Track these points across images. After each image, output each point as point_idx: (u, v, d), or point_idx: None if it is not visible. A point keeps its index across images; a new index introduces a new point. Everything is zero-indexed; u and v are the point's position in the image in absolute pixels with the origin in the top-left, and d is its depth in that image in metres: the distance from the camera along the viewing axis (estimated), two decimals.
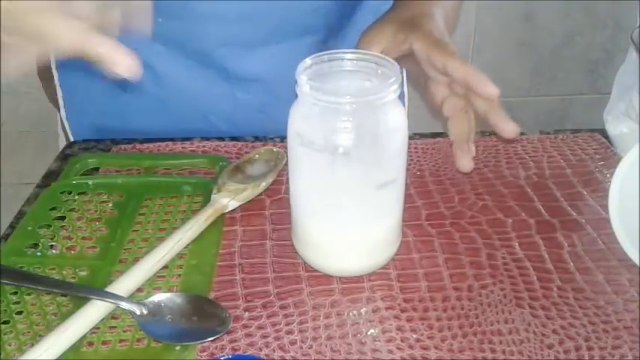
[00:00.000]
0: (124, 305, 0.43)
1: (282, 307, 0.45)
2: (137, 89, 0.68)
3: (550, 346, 0.42)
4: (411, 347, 0.42)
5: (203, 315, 0.44)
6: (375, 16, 0.63)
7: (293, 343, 0.42)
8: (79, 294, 0.45)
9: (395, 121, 0.43)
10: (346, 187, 0.44)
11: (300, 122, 0.44)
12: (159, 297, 0.45)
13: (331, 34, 0.70)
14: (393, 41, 0.56)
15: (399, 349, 0.42)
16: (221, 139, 0.65)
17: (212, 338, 0.42)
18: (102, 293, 0.44)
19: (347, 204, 0.45)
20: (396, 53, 0.55)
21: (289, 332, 0.43)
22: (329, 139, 0.42)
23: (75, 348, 0.41)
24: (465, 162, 0.55)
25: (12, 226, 0.53)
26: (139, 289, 0.46)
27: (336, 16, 0.70)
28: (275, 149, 0.60)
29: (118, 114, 0.71)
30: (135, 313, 0.43)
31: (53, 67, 0.73)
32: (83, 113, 0.73)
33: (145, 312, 0.43)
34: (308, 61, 0.44)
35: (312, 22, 0.67)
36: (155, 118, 0.70)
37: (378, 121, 0.43)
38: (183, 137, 0.65)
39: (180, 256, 0.49)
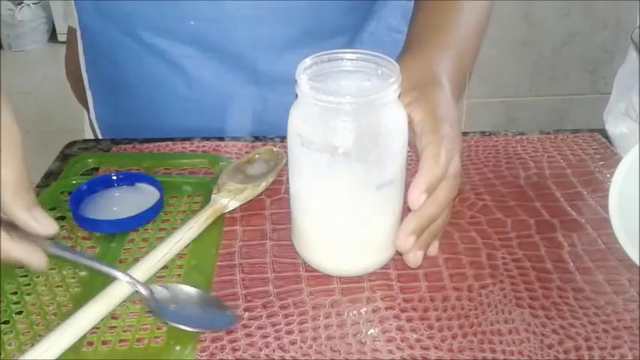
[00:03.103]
0: (141, 289, 0.44)
1: (282, 307, 0.45)
2: (168, 90, 0.68)
3: (550, 346, 0.42)
4: (411, 347, 0.42)
5: (211, 310, 0.45)
6: (401, 12, 0.60)
7: (293, 343, 0.42)
8: (102, 268, 0.45)
9: (395, 122, 0.43)
10: (346, 187, 0.44)
11: (300, 122, 0.44)
12: (171, 286, 0.46)
13: (360, 32, 0.70)
14: None
15: (399, 349, 0.42)
16: (221, 139, 0.65)
17: (219, 330, 0.43)
18: (116, 270, 0.45)
19: (347, 204, 0.45)
20: None
21: (289, 332, 0.43)
22: (329, 139, 0.42)
23: (75, 348, 0.41)
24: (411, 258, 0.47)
25: None
26: None
27: (365, 15, 0.70)
28: (275, 149, 0.60)
29: (147, 114, 0.71)
30: (151, 295, 0.44)
31: (83, 69, 0.73)
32: (113, 113, 0.74)
33: (165, 293, 0.45)
34: (308, 61, 0.44)
35: (343, 22, 0.67)
36: (185, 117, 0.70)
37: (378, 122, 0.43)
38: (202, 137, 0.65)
39: (180, 256, 0.49)
